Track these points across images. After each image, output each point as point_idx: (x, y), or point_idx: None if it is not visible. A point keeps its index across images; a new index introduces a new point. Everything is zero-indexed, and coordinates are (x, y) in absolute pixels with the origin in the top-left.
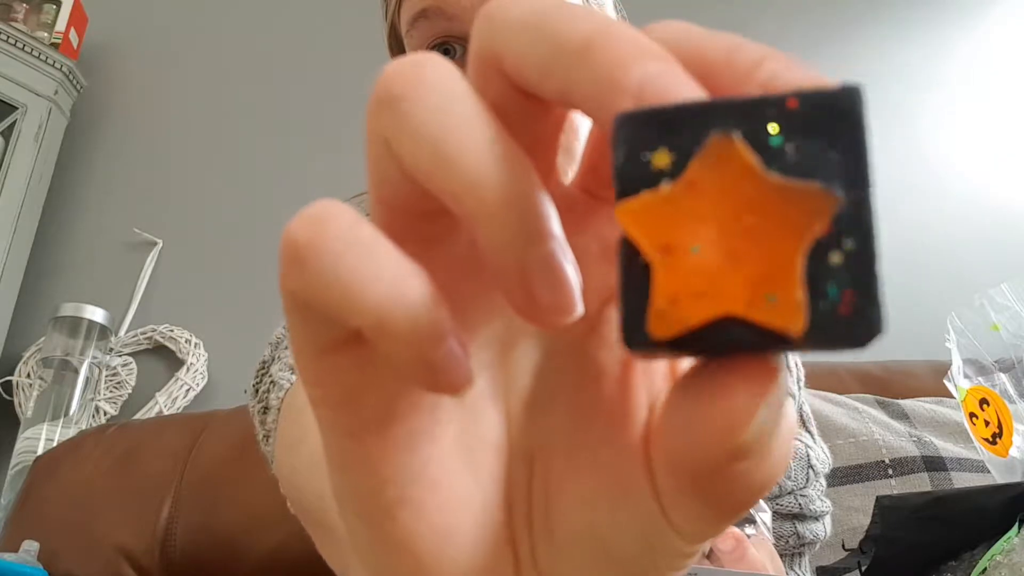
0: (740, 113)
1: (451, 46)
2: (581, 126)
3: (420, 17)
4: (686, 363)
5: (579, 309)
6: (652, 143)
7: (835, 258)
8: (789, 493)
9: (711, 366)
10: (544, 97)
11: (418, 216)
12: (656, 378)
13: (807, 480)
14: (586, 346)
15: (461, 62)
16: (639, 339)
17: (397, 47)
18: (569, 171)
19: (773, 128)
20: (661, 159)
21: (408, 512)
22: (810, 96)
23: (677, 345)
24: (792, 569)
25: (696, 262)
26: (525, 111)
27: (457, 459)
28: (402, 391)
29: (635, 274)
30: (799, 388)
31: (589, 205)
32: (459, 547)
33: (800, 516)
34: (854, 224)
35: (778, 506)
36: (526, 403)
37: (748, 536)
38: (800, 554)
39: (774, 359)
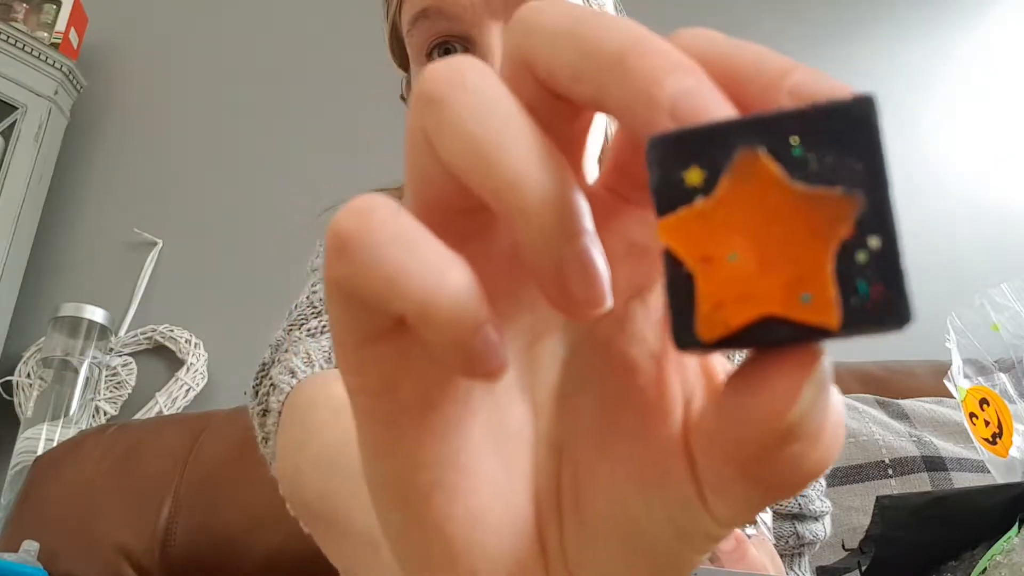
0: (763, 129)
1: (452, 45)
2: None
3: (421, 17)
4: (720, 360)
5: (609, 302)
6: (684, 162)
7: (862, 256)
8: None
9: (757, 360)
10: (575, 101)
11: (454, 213)
12: (689, 374)
13: None
14: (614, 341)
15: None
16: (689, 341)
17: (398, 47)
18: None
19: (795, 141)
20: (694, 177)
21: (441, 496)
22: (827, 108)
23: (723, 344)
24: (792, 569)
25: (734, 269)
26: (555, 112)
27: (487, 447)
28: (437, 380)
29: (680, 283)
30: None
31: (613, 204)
32: (489, 531)
33: (800, 516)
34: (876, 224)
35: (778, 506)
36: (553, 396)
37: (749, 536)
38: (800, 554)
39: (815, 345)
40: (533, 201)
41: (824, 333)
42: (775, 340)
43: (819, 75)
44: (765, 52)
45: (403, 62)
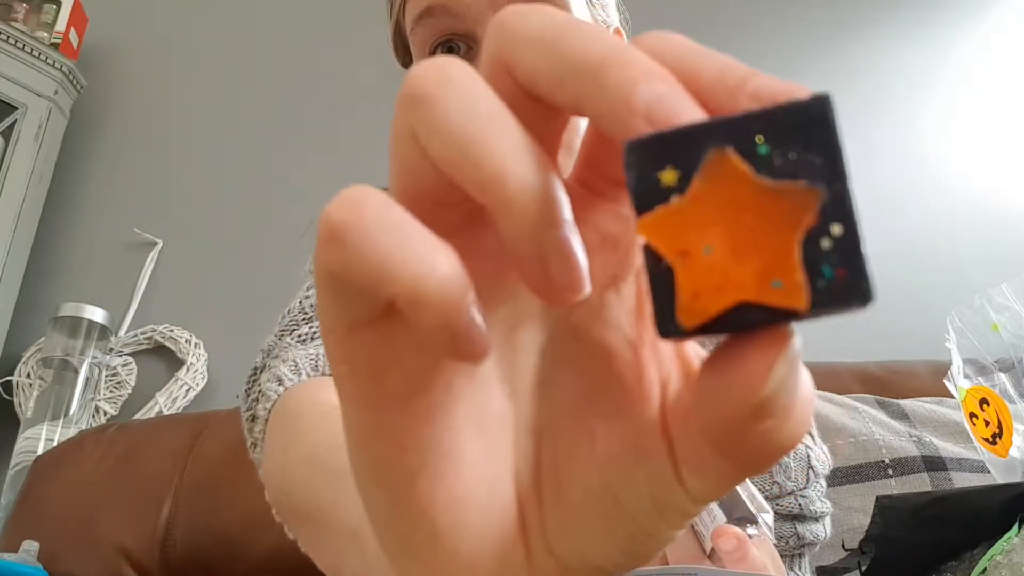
0: (731, 130)
1: (455, 43)
2: (580, 125)
3: (425, 15)
4: (694, 346)
5: (588, 289)
6: (660, 164)
7: (825, 243)
8: (789, 494)
9: (732, 342)
10: (554, 105)
11: (437, 207)
12: (664, 359)
13: (807, 481)
14: (590, 329)
15: (466, 59)
16: (671, 329)
17: (401, 45)
18: (567, 166)
19: (760, 140)
20: (669, 177)
21: (426, 479)
22: (787, 108)
23: (703, 330)
24: (792, 570)
25: (710, 261)
26: (532, 112)
27: (470, 432)
28: (423, 367)
29: (660, 276)
30: None
31: (586, 198)
32: (471, 512)
33: (800, 517)
34: (838, 212)
35: (778, 507)
36: (532, 382)
37: (750, 536)
38: (800, 555)
39: (786, 326)
40: (516, 192)
41: (794, 315)
42: (750, 324)
43: (773, 80)
44: (727, 59)
45: (406, 61)
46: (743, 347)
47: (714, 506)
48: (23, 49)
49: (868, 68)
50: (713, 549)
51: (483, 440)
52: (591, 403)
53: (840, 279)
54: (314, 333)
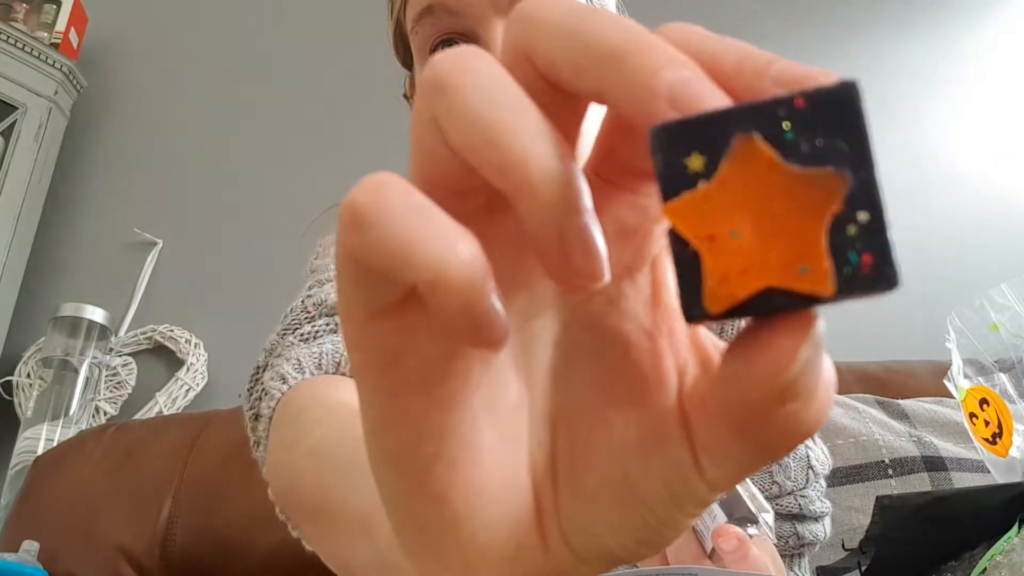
0: (757, 115)
1: (456, 42)
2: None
3: (426, 13)
4: (709, 335)
5: (607, 276)
6: (686, 149)
7: (852, 229)
8: (789, 494)
9: (758, 326)
10: (575, 93)
11: (455, 194)
12: (680, 348)
13: (807, 481)
14: (607, 319)
15: None
16: (698, 313)
17: (402, 44)
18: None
19: (787, 126)
20: (695, 163)
21: (443, 466)
22: (814, 94)
23: (729, 314)
24: (792, 570)
25: (737, 246)
26: (552, 101)
27: (486, 420)
28: (441, 355)
29: (687, 261)
30: None
31: (602, 189)
32: (488, 499)
33: (800, 517)
34: (864, 199)
35: (778, 506)
36: (548, 371)
37: (750, 536)
38: (800, 555)
39: (812, 311)
40: (538, 177)
41: (820, 300)
42: (776, 308)
43: (800, 64)
44: (747, 46)
45: (406, 60)
46: (769, 330)
47: (715, 506)
48: (23, 49)
49: (872, 67)
50: (714, 549)
51: (499, 428)
52: (608, 392)
53: (866, 265)
54: (316, 332)
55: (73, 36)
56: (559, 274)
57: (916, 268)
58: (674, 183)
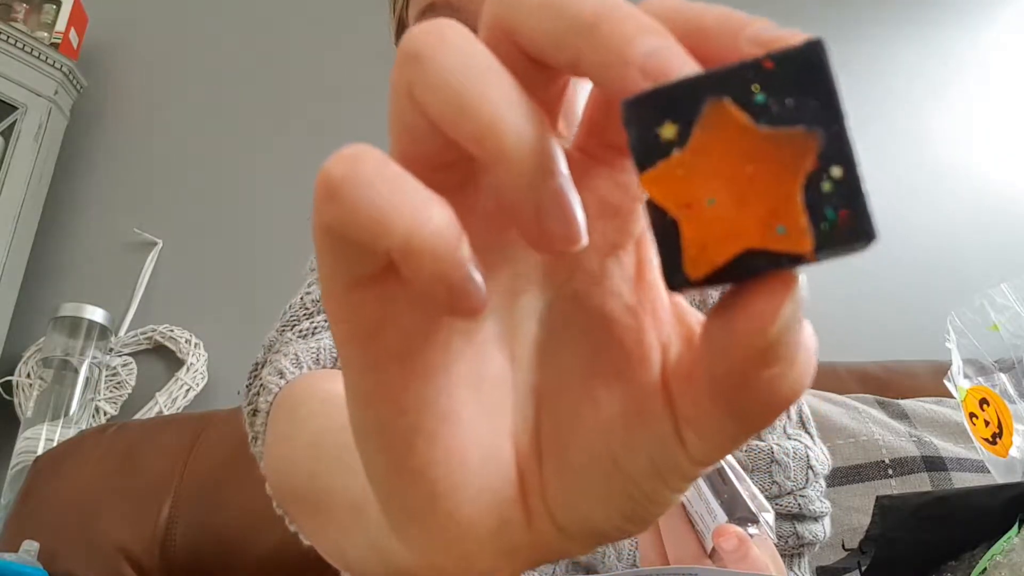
0: (727, 81)
1: None
2: (580, 93)
3: (429, 10)
4: (692, 310)
5: (585, 240)
6: (659, 119)
7: (827, 186)
8: (788, 493)
9: (738, 290)
10: (554, 66)
11: (434, 167)
12: (664, 324)
13: (807, 481)
14: (591, 296)
15: None
16: (680, 281)
17: None
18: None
19: (756, 88)
20: (668, 131)
21: (423, 439)
22: (781, 55)
23: (711, 280)
24: (792, 570)
25: (714, 211)
26: (533, 77)
27: (468, 393)
28: (421, 326)
29: (666, 230)
30: None
31: (587, 165)
32: (470, 474)
33: (800, 516)
34: (837, 155)
35: (778, 506)
36: (532, 348)
37: (751, 536)
38: (800, 555)
39: (792, 270)
40: (511, 143)
41: (800, 259)
42: (756, 270)
43: (776, 26)
44: (726, 10)
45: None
46: (749, 292)
47: (715, 505)
48: (23, 49)
49: (872, 69)
50: (714, 548)
51: (481, 402)
52: (592, 368)
53: (843, 220)
54: (315, 328)
55: (73, 36)
56: (535, 238)
57: (916, 268)
58: (648, 153)
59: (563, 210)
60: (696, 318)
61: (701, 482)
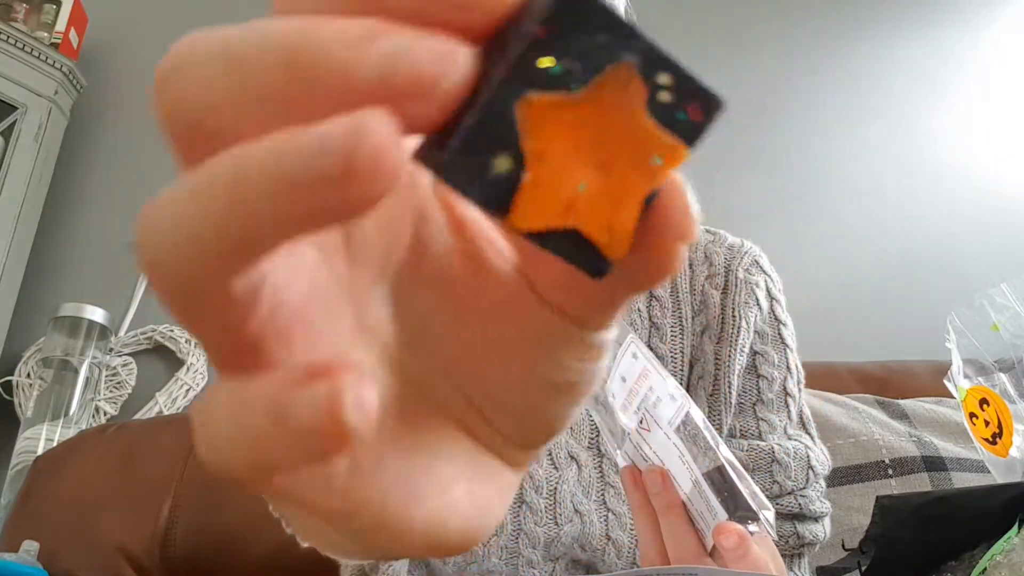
0: (516, 78)
1: None
2: None
3: None
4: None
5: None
6: (484, 161)
7: (664, 96)
8: (789, 493)
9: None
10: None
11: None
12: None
13: (807, 481)
14: (425, 269)
15: None
16: (605, 268)
17: None
18: None
19: (544, 63)
20: (503, 164)
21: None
22: (547, 17)
23: (530, 236)
24: (792, 570)
25: (592, 194)
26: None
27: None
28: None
29: (569, 240)
30: (799, 390)
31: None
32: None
33: (800, 516)
34: (654, 65)
35: (778, 506)
36: (403, 342)
37: (752, 533)
38: (800, 555)
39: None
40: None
41: (683, 160)
42: (564, 254)
43: None
44: None
45: None
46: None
47: (716, 503)
48: (23, 49)
49: (869, 69)
50: (715, 546)
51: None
52: (461, 285)
53: (693, 113)
54: None
55: (73, 36)
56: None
57: (916, 268)
58: (500, 197)
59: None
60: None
61: (702, 480)
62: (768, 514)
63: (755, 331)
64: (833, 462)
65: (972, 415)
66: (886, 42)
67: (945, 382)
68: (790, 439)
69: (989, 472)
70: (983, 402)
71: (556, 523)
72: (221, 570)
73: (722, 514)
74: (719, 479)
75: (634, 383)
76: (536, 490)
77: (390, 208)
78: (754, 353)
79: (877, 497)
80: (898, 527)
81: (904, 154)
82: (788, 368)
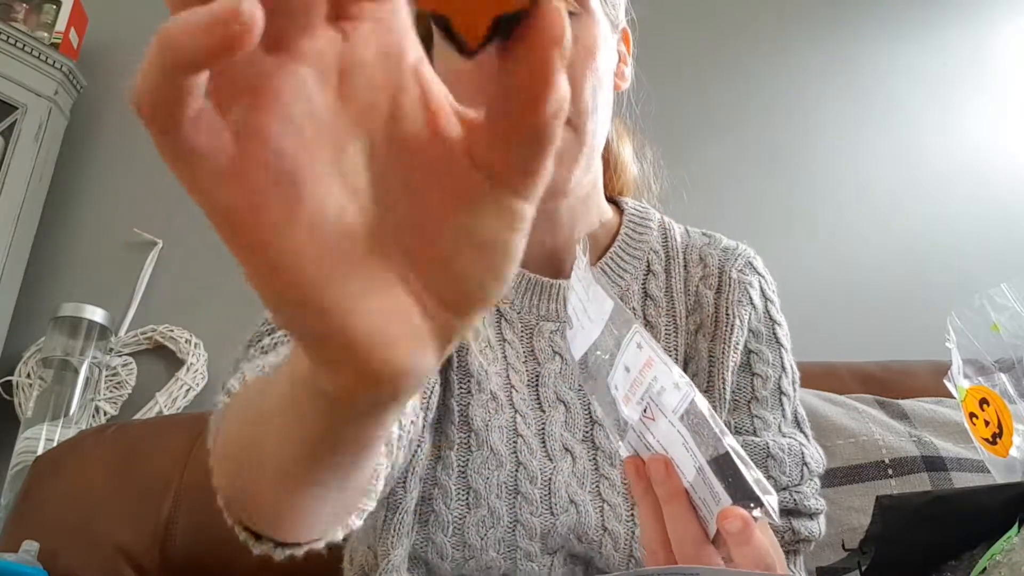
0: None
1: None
2: None
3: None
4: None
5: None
6: None
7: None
8: (784, 489)
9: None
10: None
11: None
12: (450, 114)
13: (801, 477)
14: (397, 130)
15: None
16: (468, 54)
17: (420, 26)
18: None
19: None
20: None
21: (264, 215)
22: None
23: (484, 44)
24: (788, 567)
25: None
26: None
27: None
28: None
29: (445, 26)
30: (794, 389)
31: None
32: (317, 238)
33: (795, 512)
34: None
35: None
36: (371, 188)
37: (755, 519)
38: (795, 552)
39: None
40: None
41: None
42: (515, 23)
43: None
44: None
45: (425, 40)
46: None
47: (720, 489)
48: (23, 49)
49: (870, 67)
50: (718, 532)
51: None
52: (416, 169)
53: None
54: (275, 343)
55: (73, 36)
56: None
57: (916, 268)
58: None
59: None
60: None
61: (706, 467)
62: (771, 499)
63: (749, 329)
64: (833, 462)
65: (972, 415)
66: (886, 42)
67: (945, 382)
68: (784, 436)
69: (989, 472)
70: (983, 402)
71: (552, 512)
72: (221, 570)
73: (726, 500)
74: (724, 466)
75: (638, 372)
76: (531, 481)
77: (376, 75)
78: (748, 351)
79: (877, 497)
80: (898, 527)
81: (904, 154)
82: (783, 367)
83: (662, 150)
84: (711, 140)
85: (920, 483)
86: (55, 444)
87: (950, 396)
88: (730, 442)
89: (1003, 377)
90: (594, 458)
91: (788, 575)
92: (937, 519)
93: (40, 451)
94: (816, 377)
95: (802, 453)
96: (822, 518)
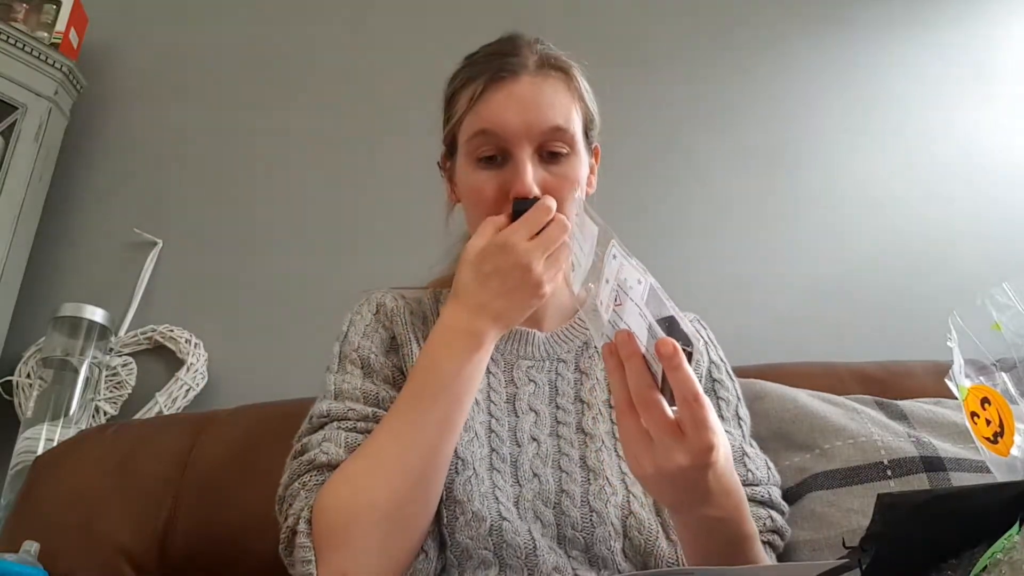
0: None
1: (496, 156)
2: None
3: (480, 134)
4: None
5: None
6: None
7: None
8: (758, 484)
9: None
10: None
11: None
12: None
13: (769, 478)
14: None
15: (501, 166)
16: None
17: (449, 137)
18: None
19: None
20: None
21: None
22: None
23: None
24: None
25: None
26: None
27: None
28: None
29: None
30: (747, 422)
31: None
32: None
33: (770, 503)
34: None
35: (752, 492)
36: None
37: (688, 354)
38: (770, 544)
39: None
40: None
41: None
42: None
43: None
44: None
45: (450, 147)
46: None
47: (659, 330)
48: (23, 49)
49: (868, 66)
50: (664, 380)
51: None
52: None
53: None
54: (367, 428)
55: (73, 36)
56: None
57: (915, 268)
58: None
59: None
60: None
61: (655, 324)
62: (699, 345)
63: (711, 361)
64: (832, 464)
65: (973, 414)
66: (886, 42)
67: (946, 381)
68: (751, 447)
69: (988, 472)
70: (984, 401)
71: (519, 483)
72: (221, 570)
73: (661, 334)
74: (666, 323)
75: (613, 277)
76: (503, 460)
77: None
78: (712, 379)
79: (878, 495)
80: (899, 525)
81: (904, 153)
82: (738, 398)
83: (663, 150)
84: (711, 140)
85: (919, 484)
86: (55, 444)
87: (949, 396)
88: (672, 305)
89: (1004, 376)
90: (557, 445)
91: (754, 529)
92: (938, 517)
93: (40, 451)
94: (815, 377)
95: (766, 459)
96: (787, 525)
